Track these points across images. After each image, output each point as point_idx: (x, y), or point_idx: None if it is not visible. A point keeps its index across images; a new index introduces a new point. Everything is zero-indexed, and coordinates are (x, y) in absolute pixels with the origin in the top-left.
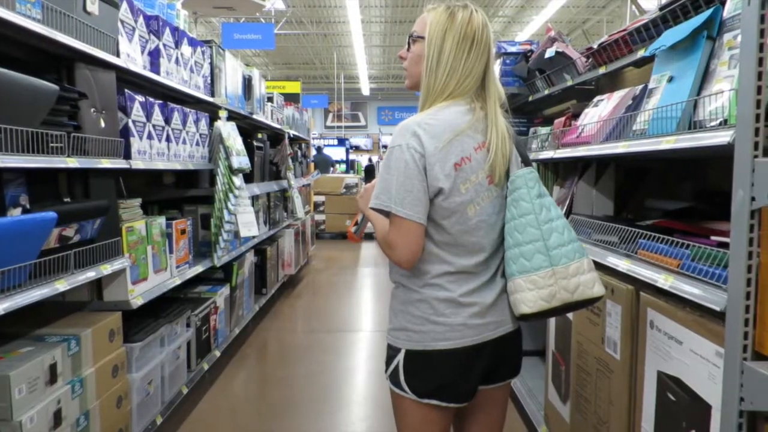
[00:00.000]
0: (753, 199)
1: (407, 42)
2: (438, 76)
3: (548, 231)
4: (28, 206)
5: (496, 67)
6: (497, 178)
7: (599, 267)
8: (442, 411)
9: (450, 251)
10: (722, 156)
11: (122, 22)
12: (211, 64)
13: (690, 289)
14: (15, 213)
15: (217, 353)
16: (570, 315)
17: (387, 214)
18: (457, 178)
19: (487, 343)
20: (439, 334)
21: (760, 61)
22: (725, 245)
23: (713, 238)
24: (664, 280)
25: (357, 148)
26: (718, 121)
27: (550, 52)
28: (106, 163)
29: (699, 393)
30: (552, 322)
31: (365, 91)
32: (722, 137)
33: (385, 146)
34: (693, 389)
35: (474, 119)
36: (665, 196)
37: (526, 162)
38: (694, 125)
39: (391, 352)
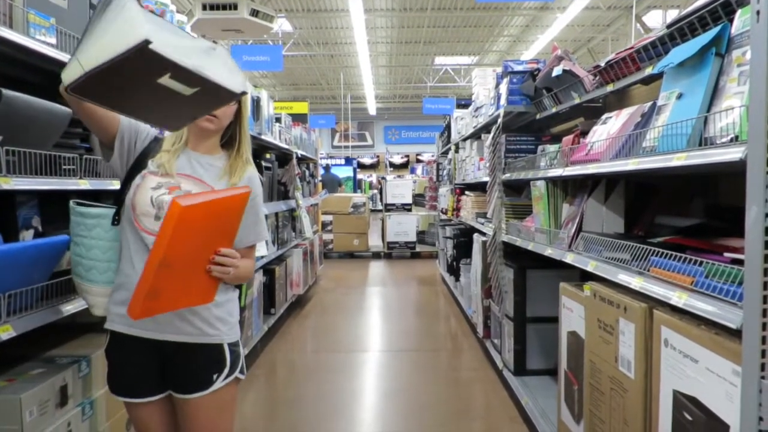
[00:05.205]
0: (767, 215)
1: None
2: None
3: None
4: (40, 228)
5: (503, 86)
6: None
7: (610, 285)
8: None
9: None
10: (733, 172)
11: None
12: None
13: (704, 307)
14: (27, 235)
15: None
16: (582, 334)
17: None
18: None
19: None
20: None
21: None
22: (739, 262)
23: (726, 254)
24: (677, 298)
25: (364, 167)
26: (729, 138)
27: (557, 71)
28: (117, 185)
29: (716, 413)
30: (563, 340)
31: (372, 110)
32: (734, 153)
33: (391, 164)
34: (710, 409)
35: None
36: (676, 212)
37: None
38: (704, 141)
39: (238, 349)
